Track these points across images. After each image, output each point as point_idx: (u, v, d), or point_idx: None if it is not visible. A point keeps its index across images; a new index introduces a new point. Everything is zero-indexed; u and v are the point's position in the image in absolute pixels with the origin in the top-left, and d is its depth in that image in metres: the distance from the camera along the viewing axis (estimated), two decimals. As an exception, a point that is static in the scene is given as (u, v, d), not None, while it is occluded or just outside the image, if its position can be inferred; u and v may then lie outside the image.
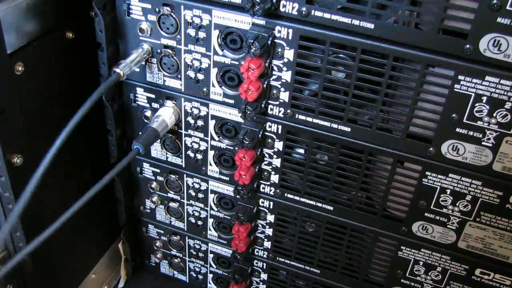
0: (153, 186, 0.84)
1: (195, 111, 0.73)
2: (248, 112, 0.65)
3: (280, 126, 0.69)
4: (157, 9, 0.66)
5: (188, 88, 0.71)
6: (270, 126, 0.69)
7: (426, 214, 0.68)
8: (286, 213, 0.77)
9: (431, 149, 0.62)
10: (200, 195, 0.81)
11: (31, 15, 0.64)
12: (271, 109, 0.68)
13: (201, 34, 0.66)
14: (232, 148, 0.74)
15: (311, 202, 0.74)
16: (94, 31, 0.68)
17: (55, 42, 0.70)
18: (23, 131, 0.66)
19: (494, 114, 0.58)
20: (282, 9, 0.60)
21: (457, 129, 0.60)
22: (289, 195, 0.75)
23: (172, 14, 0.65)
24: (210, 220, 0.84)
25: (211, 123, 0.73)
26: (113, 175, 0.65)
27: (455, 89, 0.58)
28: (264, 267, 0.85)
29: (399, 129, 0.63)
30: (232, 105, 0.70)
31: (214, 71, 0.68)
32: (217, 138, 0.74)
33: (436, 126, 0.61)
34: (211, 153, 0.76)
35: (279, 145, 0.71)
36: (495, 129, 0.58)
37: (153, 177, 0.83)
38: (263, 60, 0.62)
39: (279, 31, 0.61)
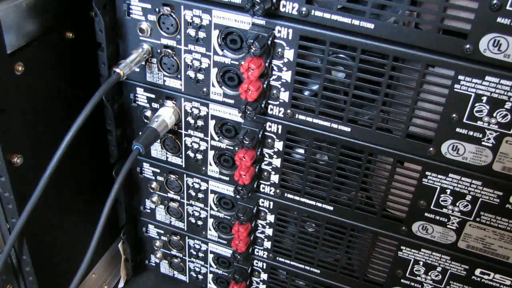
0: (153, 186, 0.84)
1: (195, 111, 0.73)
2: (248, 112, 0.65)
3: (280, 126, 0.69)
4: (157, 9, 0.66)
5: (188, 88, 0.71)
6: (270, 126, 0.69)
7: (426, 214, 0.68)
8: (286, 213, 0.77)
9: (431, 149, 0.62)
10: (200, 195, 0.81)
11: (31, 15, 0.64)
12: (271, 109, 0.68)
13: (201, 34, 0.66)
14: (232, 148, 0.74)
15: (311, 202, 0.74)
16: (94, 31, 0.68)
17: (55, 42, 0.70)
18: (23, 131, 0.67)
19: (494, 114, 0.57)
20: (282, 9, 0.60)
21: (457, 129, 0.60)
22: (289, 195, 0.75)
23: (172, 14, 0.65)
24: (210, 220, 0.84)
25: (211, 123, 0.73)
26: (120, 181, 0.66)
27: (455, 89, 0.58)
28: (264, 267, 0.85)
29: (399, 129, 0.63)
30: (232, 105, 0.70)
31: (214, 71, 0.68)
32: (217, 138, 0.74)
33: (436, 126, 0.61)
34: (211, 153, 0.76)
35: (279, 145, 0.71)
36: (495, 129, 0.58)
37: (153, 177, 0.83)
38: (263, 60, 0.63)
39: (279, 31, 0.61)
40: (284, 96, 0.66)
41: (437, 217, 0.67)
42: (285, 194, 0.75)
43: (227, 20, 0.63)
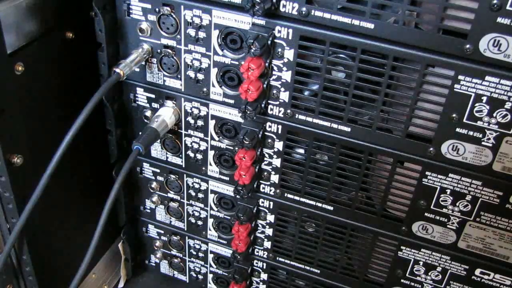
0: (153, 186, 0.84)
1: (195, 111, 0.73)
2: (248, 112, 0.65)
3: (280, 126, 0.69)
4: (157, 9, 0.66)
5: (188, 88, 0.71)
6: (270, 126, 0.69)
7: (426, 214, 0.68)
8: (286, 213, 0.77)
9: (431, 149, 0.62)
10: (200, 195, 0.81)
11: (31, 15, 0.64)
12: (271, 109, 0.68)
13: (201, 34, 0.66)
14: (232, 148, 0.74)
15: (311, 202, 0.74)
16: (94, 31, 0.68)
17: (55, 42, 0.70)
18: (23, 131, 0.67)
19: (494, 114, 0.57)
20: (282, 9, 0.60)
21: (457, 129, 0.60)
22: (289, 195, 0.75)
23: (172, 14, 0.65)
24: (210, 220, 0.84)
25: (211, 123, 0.73)
26: (120, 181, 0.66)
27: (455, 89, 0.58)
28: (264, 267, 0.85)
29: (399, 129, 0.63)
30: (232, 105, 0.70)
31: (214, 71, 0.68)
32: (217, 138, 0.74)
33: (436, 126, 0.61)
34: (211, 153, 0.76)
35: (279, 145, 0.71)
36: (495, 129, 0.58)
37: (153, 177, 0.83)
38: (263, 60, 0.62)
39: (279, 31, 0.61)
40: (284, 96, 0.66)
41: (437, 217, 0.67)
42: (285, 194, 0.75)
43: (227, 20, 0.63)
